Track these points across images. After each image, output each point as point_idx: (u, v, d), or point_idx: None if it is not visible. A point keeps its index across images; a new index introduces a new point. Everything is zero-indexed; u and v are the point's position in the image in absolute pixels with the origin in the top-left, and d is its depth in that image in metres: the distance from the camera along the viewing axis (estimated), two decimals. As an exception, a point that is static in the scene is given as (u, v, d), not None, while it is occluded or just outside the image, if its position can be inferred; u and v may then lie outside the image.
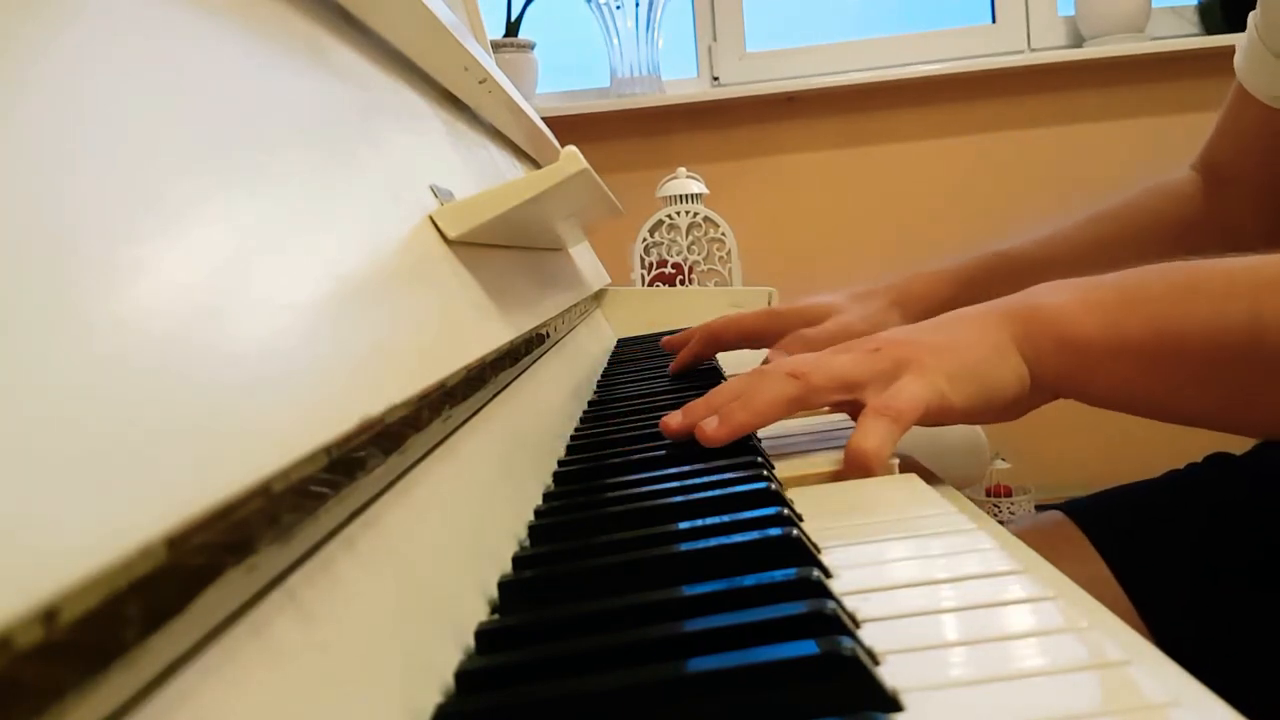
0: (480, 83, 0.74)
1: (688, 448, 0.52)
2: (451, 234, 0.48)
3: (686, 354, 0.81)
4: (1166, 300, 0.51)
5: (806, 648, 0.26)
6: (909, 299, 0.77)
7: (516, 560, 0.38)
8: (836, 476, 0.49)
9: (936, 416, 0.50)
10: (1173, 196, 0.84)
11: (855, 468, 0.47)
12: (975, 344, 0.52)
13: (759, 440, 0.55)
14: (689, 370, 0.81)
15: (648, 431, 0.58)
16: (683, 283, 1.63)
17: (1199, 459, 0.77)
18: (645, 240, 1.68)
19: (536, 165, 1.11)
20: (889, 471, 0.49)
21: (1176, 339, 0.50)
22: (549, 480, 0.51)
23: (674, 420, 0.53)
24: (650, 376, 0.83)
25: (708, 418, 0.51)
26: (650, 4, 2.25)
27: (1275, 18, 0.75)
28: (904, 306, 0.76)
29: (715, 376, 0.76)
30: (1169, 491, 0.74)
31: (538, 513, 0.45)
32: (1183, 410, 0.53)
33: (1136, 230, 0.82)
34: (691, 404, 0.53)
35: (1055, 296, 0.53)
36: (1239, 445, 0.77)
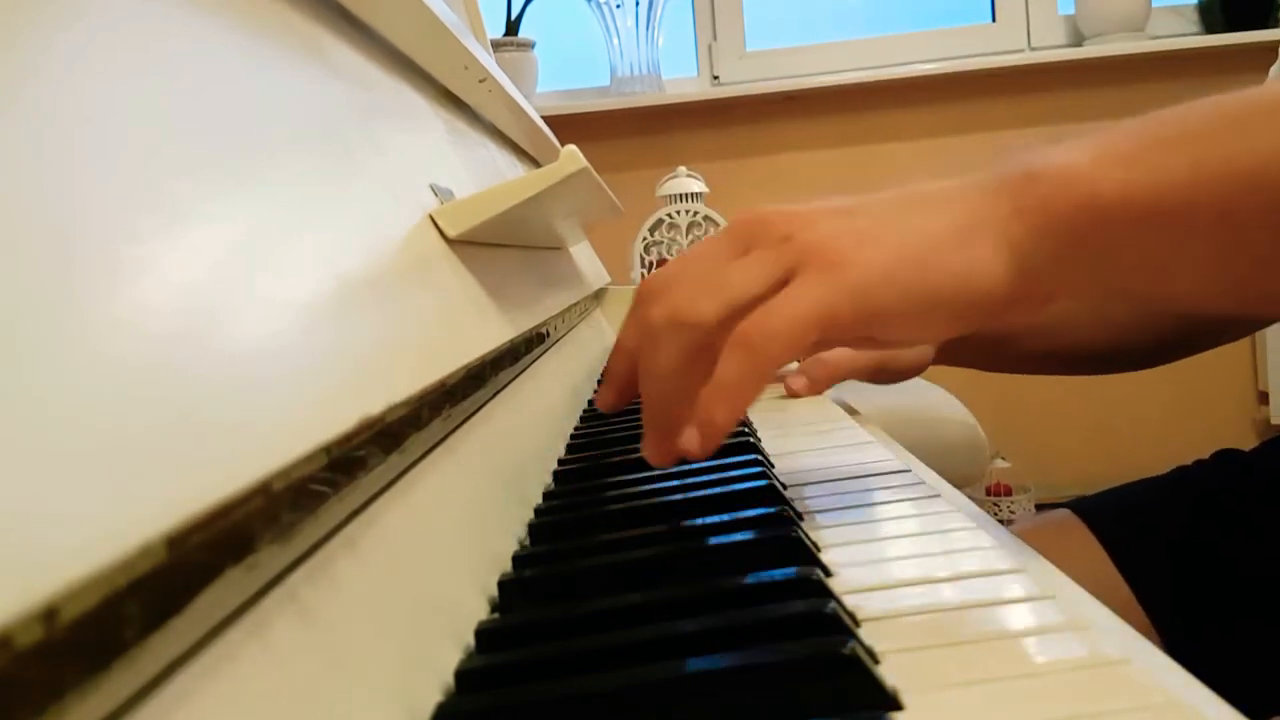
0: (480, 82, 0.74)
1: None
2: (451, 233, 0.47)
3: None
4: (1216, 134, 0.38)
5: (806, 647, 0.26)
6: None
7: (516, 559, 0.38)
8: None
9: (852, 326, 0.37)
10: None
11: (694, 439, 0.37)
12: (928, 226, 0.38)
13: (759, 439, 0.55)
14: None
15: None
16: (683, 282, 1.63)
17: (1205, 455, 0.77)
18: (645, 239, 1.68)
19: (536, 164, 1.11)
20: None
21: (1246, 177, 0.36)
22: (549, 479, 0.51)
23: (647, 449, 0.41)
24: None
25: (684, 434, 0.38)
26: (650, 3, 2.25)
27: None
28: None
29: None
30: (1176, 489, 0.74)
31: (538, 511, 0.45)
32: (1266, 281, 0.38)
33: None
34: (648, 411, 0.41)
35: (1057, 154, 0.39)
36: (1246, 442, 0.77)
